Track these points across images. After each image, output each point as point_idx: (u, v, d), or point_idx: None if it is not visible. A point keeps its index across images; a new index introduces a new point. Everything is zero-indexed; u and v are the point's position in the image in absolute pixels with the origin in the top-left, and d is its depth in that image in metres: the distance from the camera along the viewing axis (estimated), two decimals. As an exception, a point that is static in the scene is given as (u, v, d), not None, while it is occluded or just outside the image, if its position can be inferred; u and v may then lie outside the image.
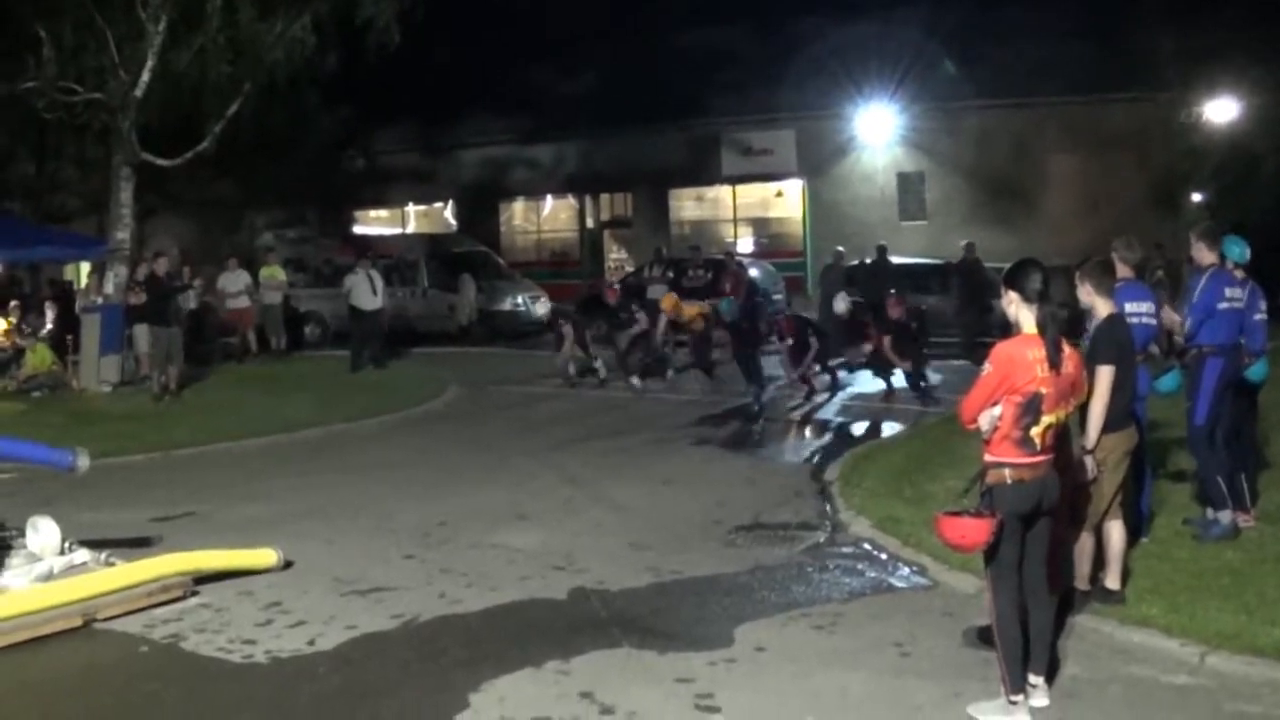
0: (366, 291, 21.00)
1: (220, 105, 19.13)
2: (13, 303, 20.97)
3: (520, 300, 27.27)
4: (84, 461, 8.47)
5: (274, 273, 23.33)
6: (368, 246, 26.31)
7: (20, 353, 19.07)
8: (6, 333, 19.86)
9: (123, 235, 19.11)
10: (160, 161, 19.45)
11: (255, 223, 32.36)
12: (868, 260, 23.71)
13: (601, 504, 10.28)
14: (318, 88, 23.69)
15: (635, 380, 17.51)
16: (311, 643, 6.86)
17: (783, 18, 33.96)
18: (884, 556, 8.46)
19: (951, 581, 7.64)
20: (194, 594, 7.79)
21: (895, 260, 23.87)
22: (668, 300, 19.12)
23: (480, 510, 10.11)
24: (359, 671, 6.42)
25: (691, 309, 18.51)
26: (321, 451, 13.60)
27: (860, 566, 8.26)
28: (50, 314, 21.33)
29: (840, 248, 23.76)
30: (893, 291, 17.36)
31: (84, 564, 7.91)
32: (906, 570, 8.10)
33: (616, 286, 21.34)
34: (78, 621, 7.24)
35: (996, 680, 5.48)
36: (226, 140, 19.89)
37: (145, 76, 18.24)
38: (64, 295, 23.51)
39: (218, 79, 18.67)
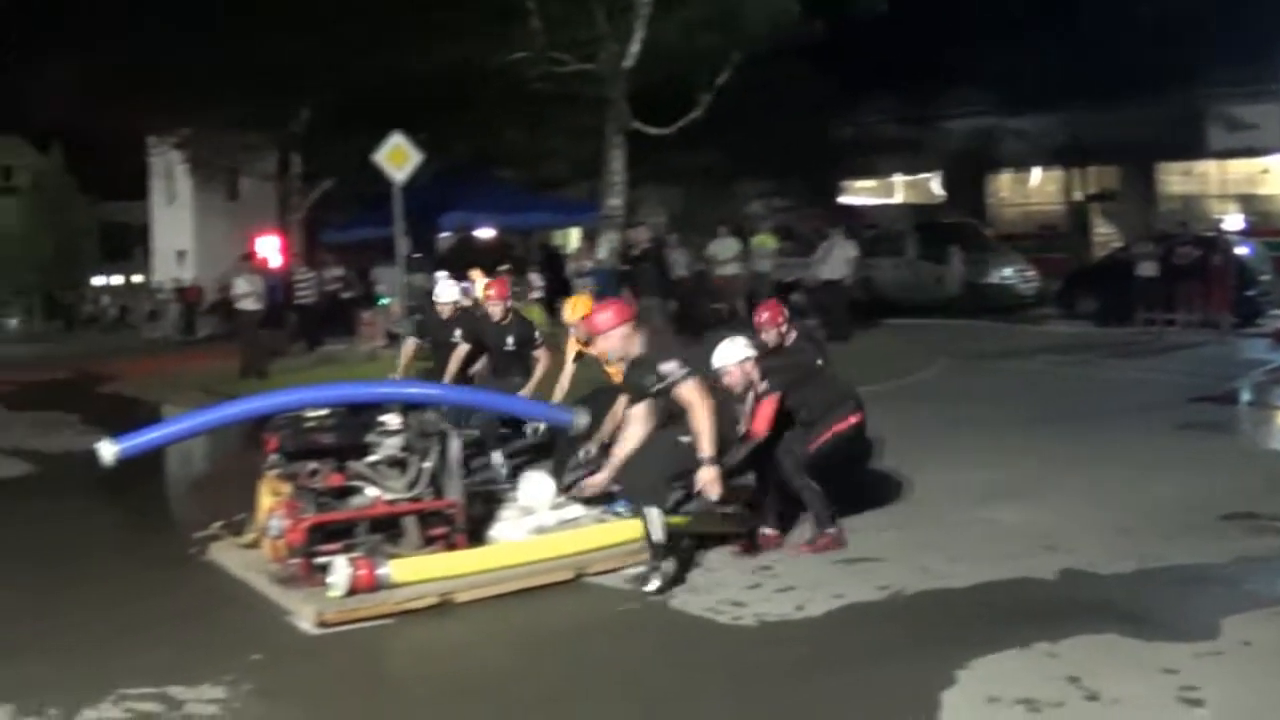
0: (832, 260, 22.50)
1: (708, 75, 21.08)
2: (504, 266, 23.93)
3: (1008, 273, 28.09)
4: (582, 419, 9.49)
5: (765, 241, 25.30)
6: (854, 216, 27.79)
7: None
8: (490, 293, 22.66)
9: (615, 202, 21.55)
10: (651, 130, 21.84)
11: (744, 191, 34.59)
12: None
13: (1085, 484, 10.56)
14: (803, 56, 25.29)
15: None
16: (800, 608, 7.37)
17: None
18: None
19: None
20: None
21: None
22: None
23: (963, 485, 10.60)
24: (844, 640, 6.91)
25: None
26: None
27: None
28: (540, 278, 24.11)
29: None
30: None
31: (576, 518, 8.84)
32: None
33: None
34: (568, 574, 8.04)
35: None
36: (715, 109, 21.94)
37: (635, 47, 20.55)
38: (554, 260, 26.40)
39: (706, 48, 20.58)
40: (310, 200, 33.74)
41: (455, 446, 8.39)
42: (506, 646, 7.16)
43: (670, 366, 7.76)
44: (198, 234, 47.73)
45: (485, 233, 31.52)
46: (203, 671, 6.61)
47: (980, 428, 13.70)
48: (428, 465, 8.34)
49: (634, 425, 8.28)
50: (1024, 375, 18.08)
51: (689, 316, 22.74)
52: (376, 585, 7.47)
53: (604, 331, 8.10)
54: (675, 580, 7.82)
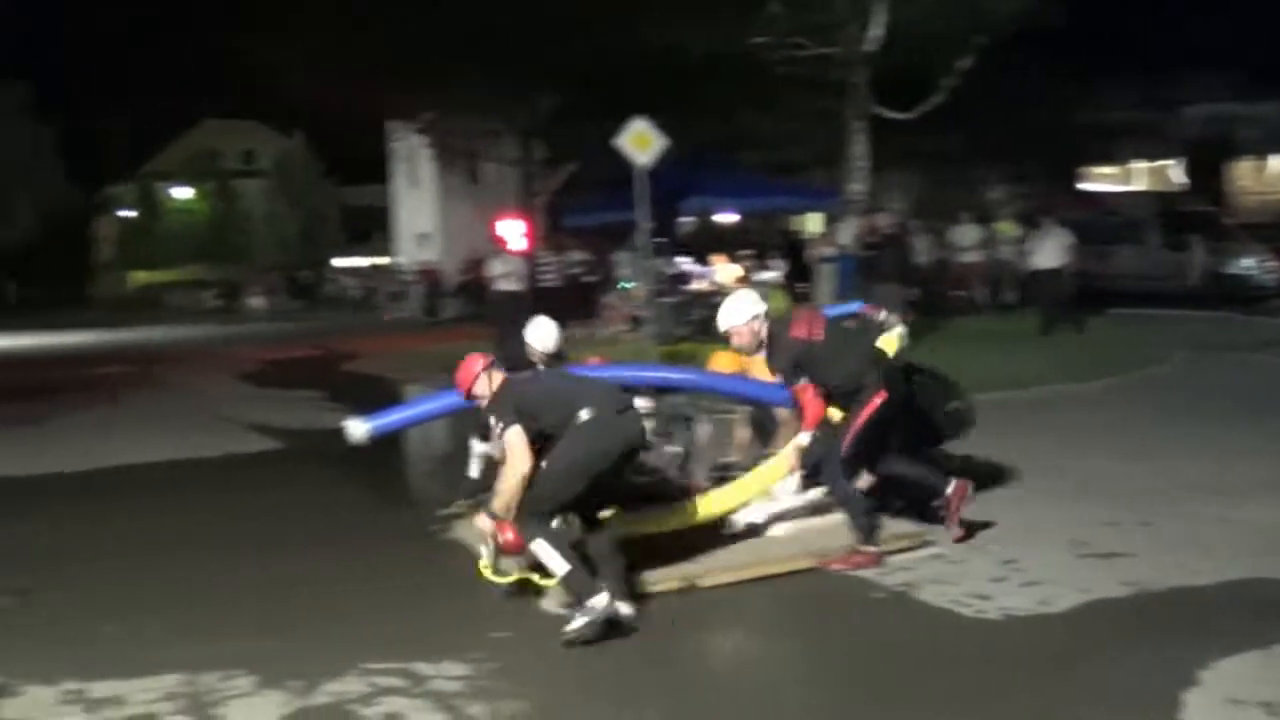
0: (1047, 249, 22.55)
1: (949, 59, 21.25)
2: (745, 251, 24.37)
3: (1249, 263, 27.79)
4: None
5: (1005, 228, 25.29)
6: (1094, 203, 27.63)
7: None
8: (740, 280, 23.13)
9: (857, 186, 21.95)
10: (892, 115, 22.27)
11: (985, 177, 34.48)
12: None
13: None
14: (1043, 40, 25.23)
15: None
16: (1044, 603, 7.53)
17: None
18: None
19: None
20: (928, 544, 8.74)
21: None
22: None
23: (1207, 480, 10.69)
24: (1087, 636, 6.99)
25: None
26: (1040, 410, 14.99)
27: None
28: (781, 263, 24.50)
29: None
30: None
31: (819, 505, 9.04)
32: None
33: None
34: (811, 563, 8.30)
35: None
36: (957, 93, 22.34)
37: (876, 31, 20.98)
38: (795, 245, 26.77)
39: (947, 31, 20.76)
40: (553, 184, 34.77)
41: (703, 431, 8.85)
42: (748, 632, 7.52)
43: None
44: (440, 217, 49.39)
45: (726, 217, 32.01)
46: (446, 648, 6.97)
47: (1221, 422, 13.69)
48: (675, 449, 8.74)
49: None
50: (1266, 369, 17.95)
51: (930, 304, 22.86)
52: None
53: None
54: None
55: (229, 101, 73.88)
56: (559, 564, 7.06)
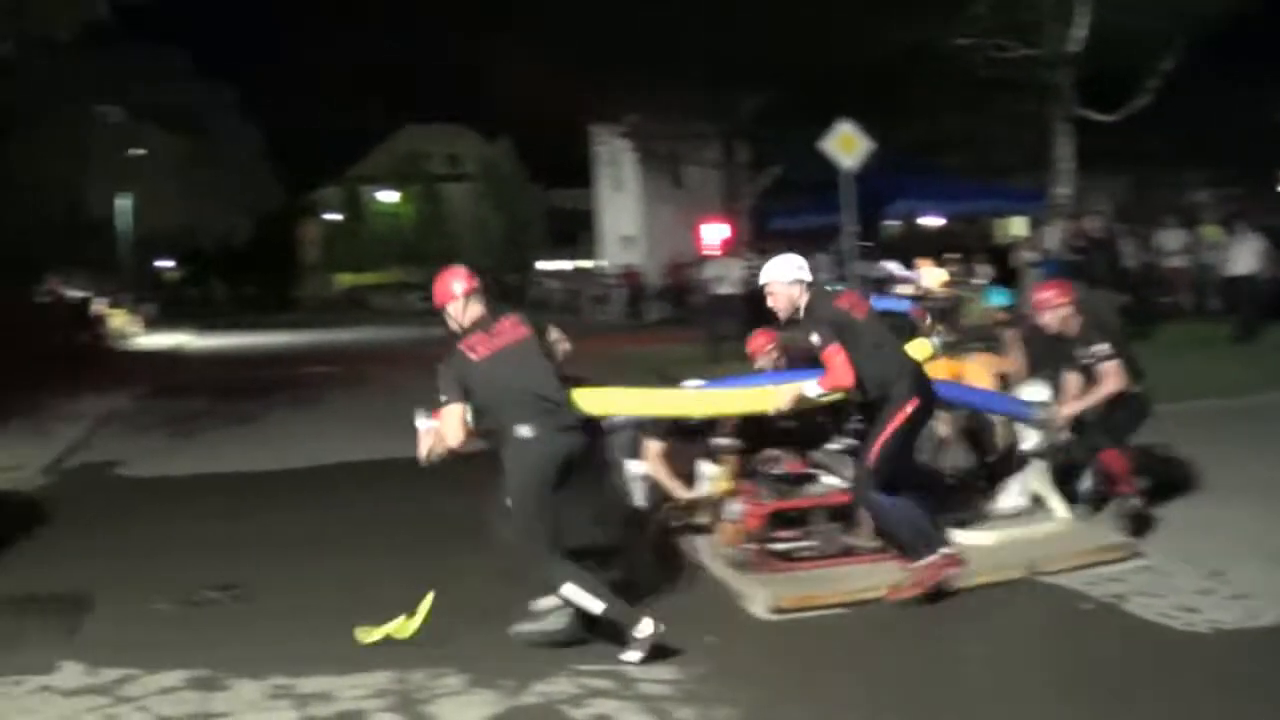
0: (1240, 255, 22.56)
1: (1153, 60, 21.71)
2: (951, 254, 24.74)
3: None
4: (1048, 412, 9.42)
5: (1211, 232, 25.30)
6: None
7: (959, 303, 22.61)
8: (946, 284, 23.45)
9: (1063, 190, 22.34)
10: (1097, 116, 22.66)
11: (1191, 180, 34.24)
12: None
13: None
14: (1250, 38, 25.26)
15: None
16: (1253, 616, 7.51)
17: None
18: None
19: None
20: (1137, 555, 8.75)
21: None
22: None
23: None
24: None
25: None
26: (1243, 419, 14.86)
27: None
28: (986, 268, 24.82)
29: None
30: None
31: (1032, 516, 9.28)
32: None
33: None
34: (1022, 573, 8.37)
35: None
36: (1162, 94, 22.54)
37: (1080, 31, 21.46)
38: (999, 249, 27.06)
39: (1151, 32, 21.16)
40: (758, 188, 35.43)
41: None
42: (957, 640, 7.57)
43: (1102, 348, 8.86)
44: (644, 220, 50.12)
45: (932, 221, 32.32)
46: (656, 651, 7.01)
47: None
48: None
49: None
50: None
51: (1138, 309, 23.01)
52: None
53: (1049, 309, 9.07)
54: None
55: (435, 105, 76.26)
56: (592, 603, 7.06)
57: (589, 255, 59.59)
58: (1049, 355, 9.64)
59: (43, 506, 12.20)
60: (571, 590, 7.08)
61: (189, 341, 44.36)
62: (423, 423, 7.72)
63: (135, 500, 12.70)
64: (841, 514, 8.59)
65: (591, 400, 8.20)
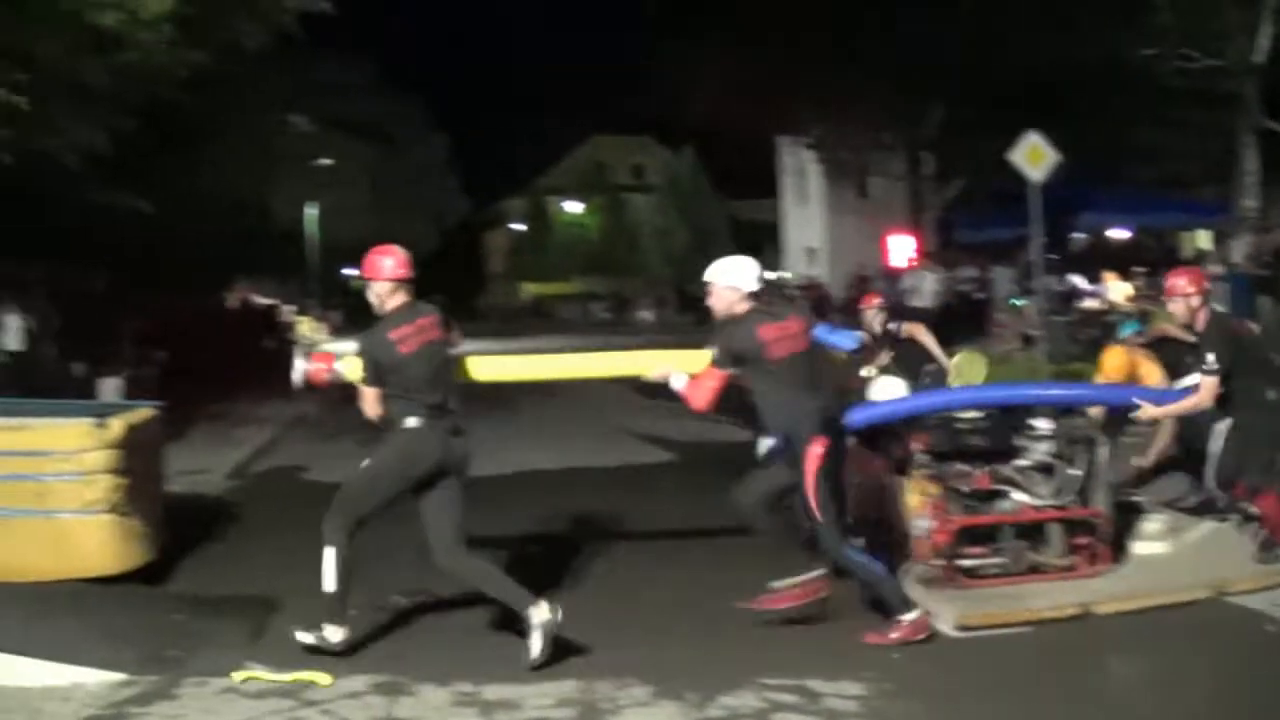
0: None
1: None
2: (1136, 268, 24.73)
3: None
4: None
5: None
6: None
7: (1145, 315, 22.61)
8: (1133, 298, 23.41)
9: (1249, 203, 22.45)
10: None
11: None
12: None
13: None
14: None
15: None
16: None
17: None
18: None
19: None
20: None
21: None
22: None
23: None
24: None
25: None
26: None
27: None
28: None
29: None
30: None
31: (1216, 534, 9.02)
32: None
33: None
34: (1208, 593, 8.31)
35: None
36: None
37: (1264, 41, 21.58)
38: (1184, 261, 26.94)
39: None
40: (943, 200, 35.65)
41: (1103, 454, 8.81)
42: (1141, 660, 7.59)
43: (1208, 359, 8.61)
44: (828, 232, 50.29)
45: (1118, 234, 32.13)
46: (842, 667, 7.12)
47: None
48: (1075, 472, 8.69)
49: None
50: None
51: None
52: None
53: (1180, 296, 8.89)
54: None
55: (620, 116, 77.34)
56: (329, 580, 7.52)
57: (773, 267, 60.00)
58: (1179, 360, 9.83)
59: (229, 510, 12.64)
60: (328, 555, 7.56)
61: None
62: (302, 363, 8.61)
63: (321, 505, 12.87)
64: (1029, 531, 8.66)
65: (475, 367, 8.93)
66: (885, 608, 7.78)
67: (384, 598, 8.86)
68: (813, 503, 7.70)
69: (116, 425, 9.24)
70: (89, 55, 12.67)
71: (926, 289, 24.66)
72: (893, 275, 28.31)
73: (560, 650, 7.38)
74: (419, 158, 60.15)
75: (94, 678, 7.25)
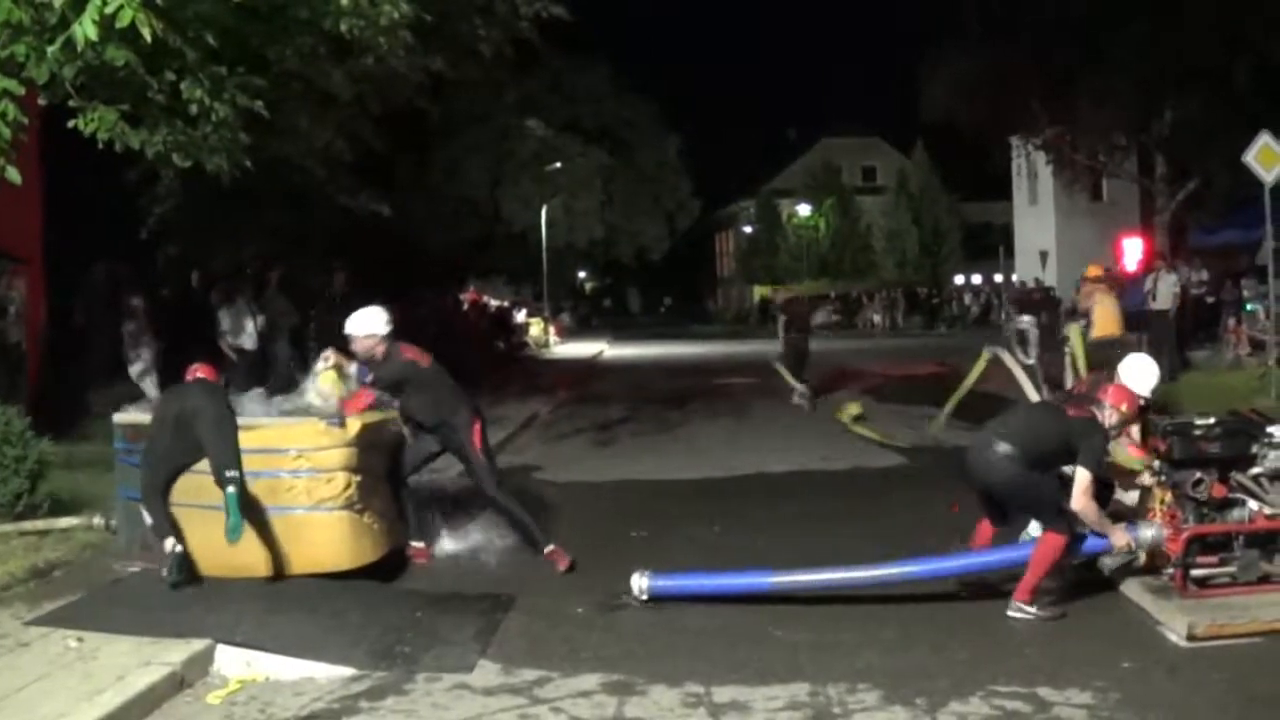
0: None
1: None
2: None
3: None
4: None
5: None
6: None
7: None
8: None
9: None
10: None
11: None
12: None
13: None
14: None
15: None
16: None
17: None
18: None
19: None
20: None
21: None
22: None
23: None
24: None
25: None
26: None
27: None
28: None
29: None
30: None
31: None
32: None
33: None
34: None
35: None
36: None
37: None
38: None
39: None
40: (1175, 202, 34.66)
41: None
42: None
43: None
44: (1059, 235, 49.74)
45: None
46: (1072, 676, 7.11)
47: None
48: None
49: None
50: None
51: None
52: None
53: None
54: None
55: (850, 118, 76.98)
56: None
57: (1007, 270, 59.34)
58: None
59: (465, 508, 12.33)
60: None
61: (605, 351, 46.15)
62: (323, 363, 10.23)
63: (555, 504, 12.88)
64: (1261, 541, 8.44)
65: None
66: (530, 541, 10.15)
67: (617, 596, 9.01)
68: (478, 454, 10.20)
69: (352, 425, 9.53)
70: (327, 62, 13.01)
71: (1164, 291, 24.04)
72: (1131, 278, 27.63)
73: (790, 651, 7.56)
74: (651, 160, 60.54)
75: (325, 672, 7.51)
